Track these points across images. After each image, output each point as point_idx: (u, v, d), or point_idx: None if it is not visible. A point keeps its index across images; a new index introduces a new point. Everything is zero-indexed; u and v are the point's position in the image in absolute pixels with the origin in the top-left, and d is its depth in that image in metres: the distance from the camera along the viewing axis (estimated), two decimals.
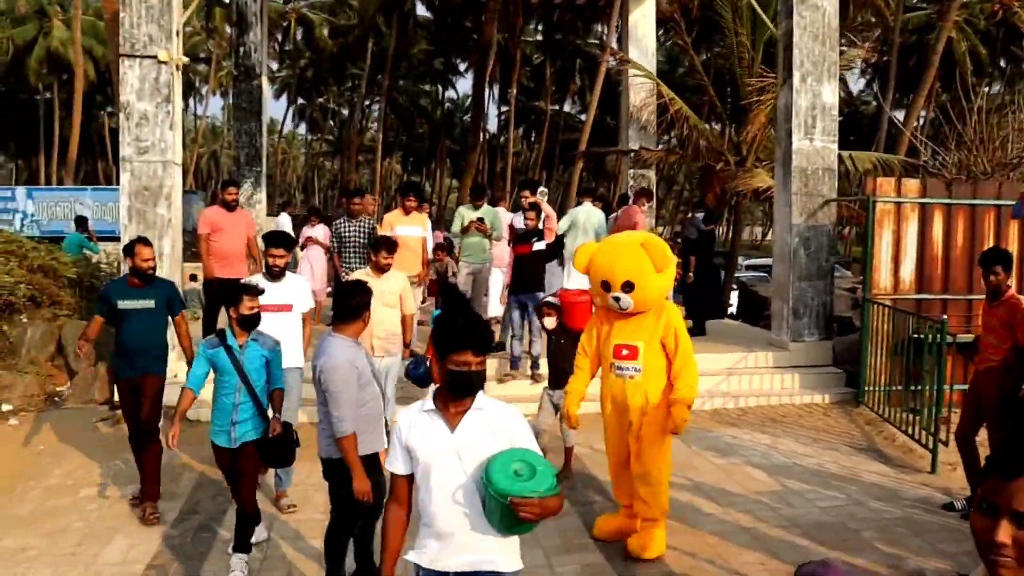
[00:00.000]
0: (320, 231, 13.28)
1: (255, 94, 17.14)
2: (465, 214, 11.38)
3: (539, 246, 10.28)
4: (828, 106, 11.57)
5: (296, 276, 7.84)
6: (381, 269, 7.94)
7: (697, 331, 12.66)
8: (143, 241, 7.36)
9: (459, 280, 11.43)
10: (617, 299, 6.07)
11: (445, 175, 65.09)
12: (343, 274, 10.76)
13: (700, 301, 13.14)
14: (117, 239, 12.34)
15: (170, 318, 7.55)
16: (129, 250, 7.37)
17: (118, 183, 11.99)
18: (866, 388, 10.49)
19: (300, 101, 64.64)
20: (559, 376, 7.75)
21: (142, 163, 10.27)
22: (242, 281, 6.94)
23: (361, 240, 10.73)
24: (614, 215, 14.76)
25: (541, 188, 13.28)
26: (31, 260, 11.61)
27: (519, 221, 11.27)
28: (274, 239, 7.34)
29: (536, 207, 10.62)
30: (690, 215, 14.31)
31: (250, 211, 16.57)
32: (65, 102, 49.37)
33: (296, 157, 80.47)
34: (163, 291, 7.44)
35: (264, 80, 17.50)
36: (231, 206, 10.79)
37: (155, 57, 10.31)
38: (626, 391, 6.17)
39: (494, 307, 12.30)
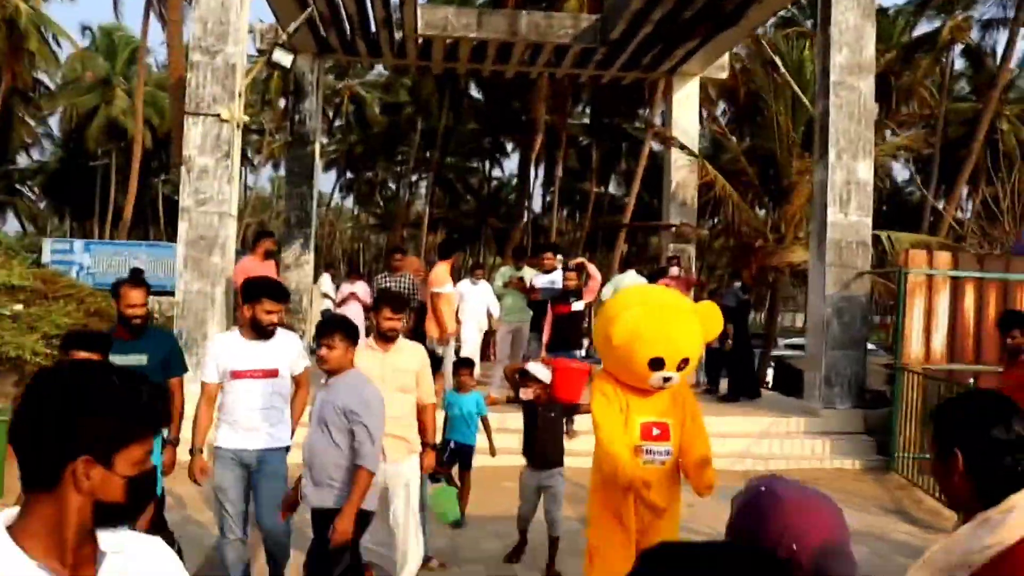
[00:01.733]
0: (360, 287, 13.66)
1: (307, 160, 17.77)
2: (506, 273, 11.78)
3: (577, 306, 10.61)
4: (863, 182, 11.87)
5: (286, 332, 5.98)
6: (386, 338, 5.91)
7: (735, 397, 12.89)
8: (132, 281, 6.01)
9: (498, 337, 11.79)
10: (668, 379, 4.89)
11: (490, 252, 65.87)
12: None
13: (740, 369, 13.36)
14: (168, 293, 12.82)
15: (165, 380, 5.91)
16: (115, 292, 5.89)
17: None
18: (897, 455, 10.61)
19: (348, 175, 65.92)
20: (542, 456, 6.82)
21: (200, 213, 10.80)
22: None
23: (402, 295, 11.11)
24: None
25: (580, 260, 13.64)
26: (88, 304, 12.09)
27: (540, 280, 11.62)
28: (264, 288, 5.65)
29: (579, 267, 10.98)
30: (721, 287, 14.63)
31: (298, 271, 17.11)
32: (121, 168, 50.85)
33: (343, 230, 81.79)
34: (159, 345, 6.00)
35: (317, 147, 18.14)
36: (269, 254, 11.18)
37: (218, 115, 10.90)
38: (657, 480, 4.97)
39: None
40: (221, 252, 10.82)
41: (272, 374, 5.67)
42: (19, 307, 10.69)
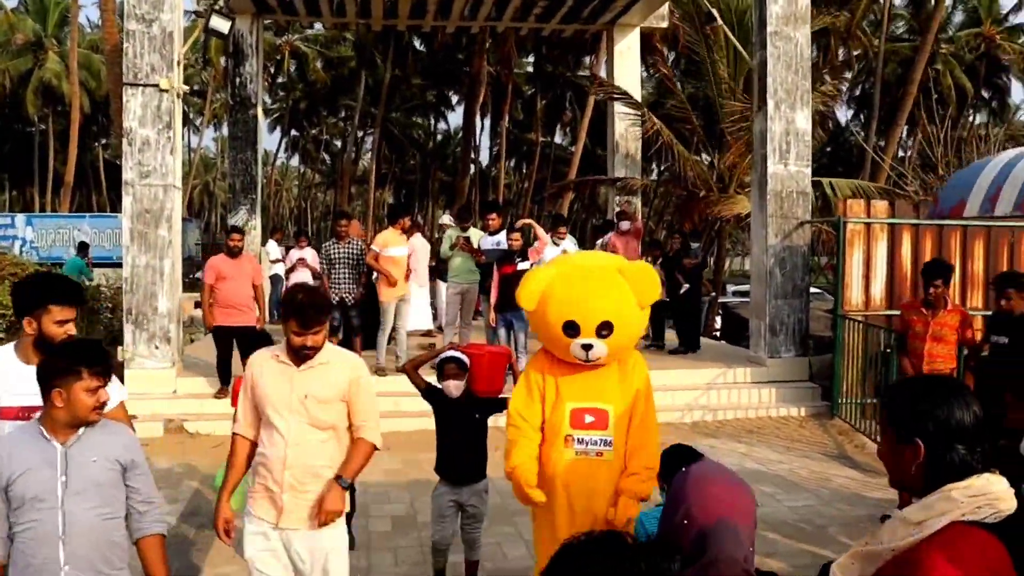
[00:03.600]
0: (308, 254, 13.67)
1: (251, 124, 17.61)
2: (453, 235, 11.88)
3: (523, 266, 10.73)
4: (801, 132, 12.06)
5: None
6: (299, 354, 4.08)
7: (688, 349, 13.15)
8: None
9: (447, 299, 11.91)
10: (588, 347, 4.32)
11: (438, 207, 65.81)
12: (332, 296, 11.24)
13: (692, 321, 13.64)
14: (114, 265, 12.78)
15: None
16: None
17: (112, 211, 12.36)
18: (840, 401, 10.92)
19: (293, 133, 65.32)
20: (459, 468, 5.58)
21: (144, 187, 10.74)
22: None
23: (350, 261, 11.25)
24: (601, 241, 15.23)
25: (526, 221, 13.79)
26: None
27: (486, 242, 11.75)
28: (49, 290, 3.92)
29: (523, 229, 11.10)
30: (673, 240, 14.80)
31: (246, 237, 17.00)
32: (60, 133, 50.03)
33: (289, 188, 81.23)
34: None
35: (259, 110, 17.98)
36: (234, 252, 10.53)
37: (157, 86, 10.81)
38: (594, 474, 4.38)
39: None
40: (168, 225, 10.78)
41: None
42: None
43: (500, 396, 5.56)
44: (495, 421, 5.54)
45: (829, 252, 20.19)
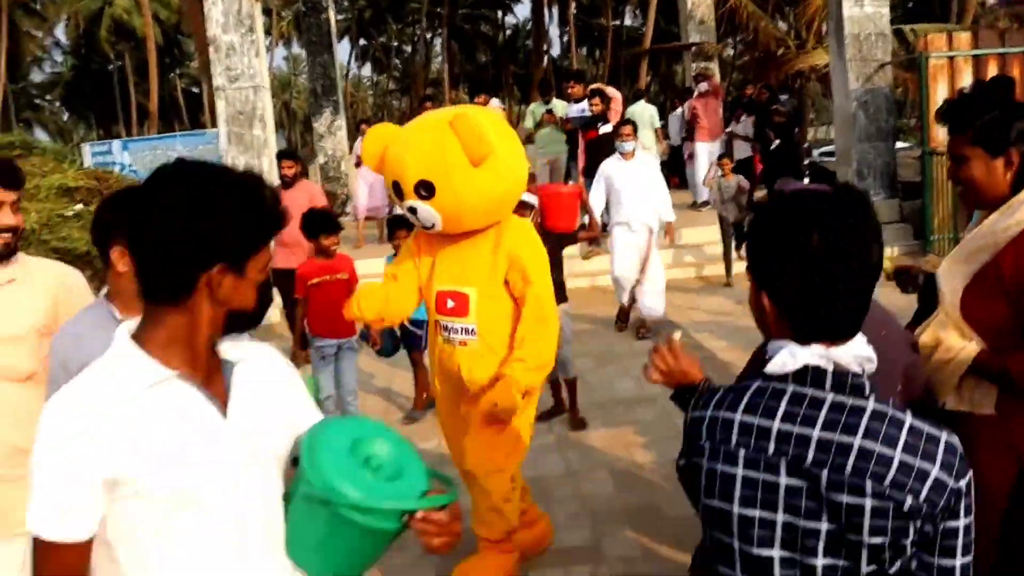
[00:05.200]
0: None
1: (324, 27, 17.88)
2: (536, 110, 12.08)
3: (605, 129, 10.90)
4: None
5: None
6: None
7: None
8: None
9: (537, 170, 12.18)
10: (413, 210, 3.75)
11: (513, 101, 65.58)
12: None
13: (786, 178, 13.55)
14: None
15: None
16: None
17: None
18: (932, 237, 10.96)
19: (362, 42, 65.39)
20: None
21: (235, 90, 11.17)
22: None
23: None
24: (680, 109, 15.25)
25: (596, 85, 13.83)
26: None
27: (572, 110, 11.89)
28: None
29: (599, 92, 11.22)
30: (760, 93, 14.60)
31: (332, 138, 17.44)
32: (136, 68, 51.03)
33: (364, 99, 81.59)
34: None
35: (331, 13, 18.20)
36: (287, 181, 8.74)
37: None
38: (456, 365, 3.91)
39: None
40: (262, 124, 11.24)
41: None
42: (79, 206, 11.22)
43: (571, 231, 5.98)
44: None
45: (917, 107, 19.82)
